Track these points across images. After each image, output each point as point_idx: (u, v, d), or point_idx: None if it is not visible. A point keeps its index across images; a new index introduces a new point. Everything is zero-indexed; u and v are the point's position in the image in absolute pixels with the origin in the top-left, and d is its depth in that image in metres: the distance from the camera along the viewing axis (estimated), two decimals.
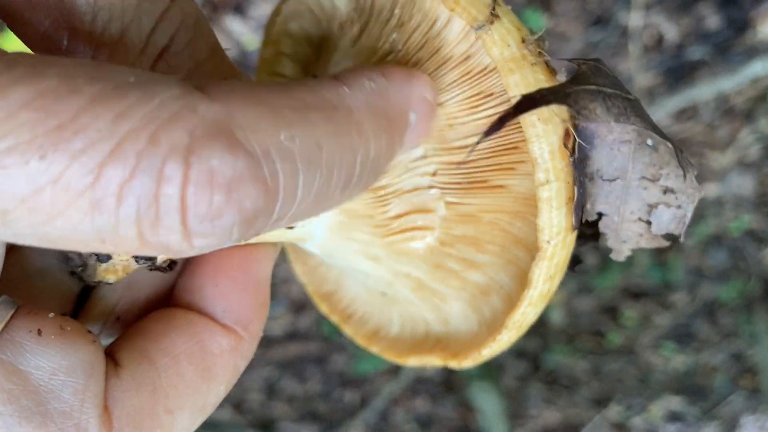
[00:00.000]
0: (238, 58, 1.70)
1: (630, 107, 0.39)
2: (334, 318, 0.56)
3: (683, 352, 2.41)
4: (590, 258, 2.06)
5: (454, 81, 0.42)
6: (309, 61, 0.54)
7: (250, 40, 1.66)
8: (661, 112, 1.76)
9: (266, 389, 2.32)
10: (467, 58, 0.41)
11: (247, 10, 1.65)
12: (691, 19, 1.62)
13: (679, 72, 1.71)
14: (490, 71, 0.40)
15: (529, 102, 0.35)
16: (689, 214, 0.41)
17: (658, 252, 2.12)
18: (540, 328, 2.28)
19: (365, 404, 2.36)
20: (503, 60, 0.38)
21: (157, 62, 0.33)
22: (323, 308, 0.57)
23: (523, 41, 0.39)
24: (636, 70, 1.69)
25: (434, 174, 0.44)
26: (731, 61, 1.69)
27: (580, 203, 0.40)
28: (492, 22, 0.38)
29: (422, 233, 0.45)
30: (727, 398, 2.52)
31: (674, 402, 2.56)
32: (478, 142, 0.36)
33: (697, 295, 2.26)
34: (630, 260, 2.13)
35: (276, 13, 0.51)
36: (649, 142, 0.40)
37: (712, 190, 1.99)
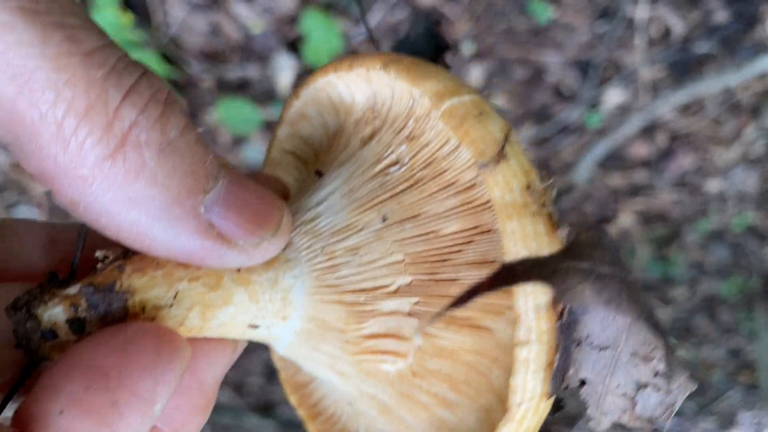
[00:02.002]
0: (243, 41, 1.70)
1: (625, 292, 0.36)
2: (302, 412, 0.53)
3: (682, 347, 2.41)
4: None
5: (455, 208, 0.40)
6: (322, 149, 0.52)
7: (256, 24, 1.66)
8: (666, 105, 1.75)
9: (266, 373, 2.34)
10: (472, 186, 0.40)
11: None
12: (699, 13, 1.61)
13: (685, 66, 1.70)
14: (492, 207, 0.38)
15: (508, 275, 0.32)
16: (678, 404, 0.38)
17: (660, 246, 2.12)
18: None
19: None
20: (503, 204, 0.36)
21: (127, 137, 0.33)
22: (292, 400, 0.54)
23: (528, 187, 0.37)
24: (641, 63, 1.68)
25: (417, 303, 0.41)
26: (738, 56, 1.68)
27: (560, 370, 0.38)
28: (498, 162, 0.37)
29: (394, 358, 0.42)
30: (725, 394, 2.52)
31: None
32: (445, 310, 0.33)
33: (698, 290, 2.25)
34: (631, 254, 2.13)
35: (295, 95, 0.50)
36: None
37: (715, 185, 1.98)
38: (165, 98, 0.34)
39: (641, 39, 1.64)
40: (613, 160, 1.91)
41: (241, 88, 1.76)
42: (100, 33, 0.33)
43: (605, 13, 1.62)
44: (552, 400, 0.39)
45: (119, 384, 0.33)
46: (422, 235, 0.41)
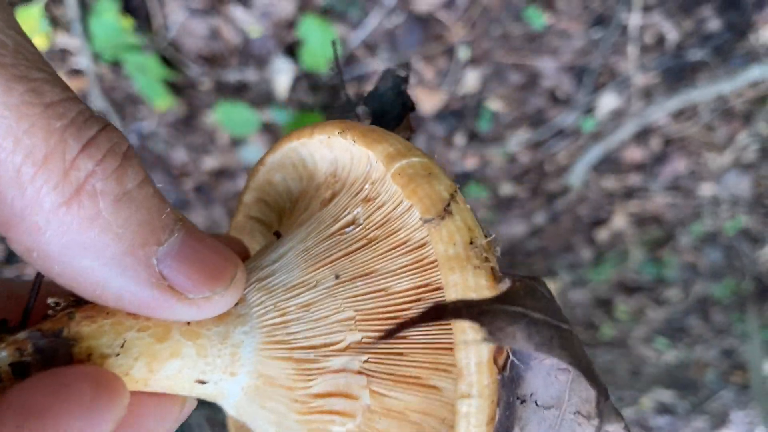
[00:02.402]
0: (241, 45, 1.72)
1: (558, 338, 0.36)
2: None
3: (675, 347, 2.44)
4: (585, 252, 2.08)
5: (406, 266, 0.41)
6: (284, 212, 0.54)
7: (254, 29, 1.68)
8: (660, 111, 1.77)
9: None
10: (423, 245, 0.41)
11: (251, 0, 1.66)
12: (692, 21, 1.62)
13: (678, 73, 1.71)
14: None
15: (436, 312, 0.33)
16: None
17: (654, 249, 2.14)
18: None
19: None
20: (446, 257, 0.37)
21: (83, 186, 0.34)
22: None
23: (472, 242, 0.38)
24: (635, 70, 1.70)
25: (366, 360, 0.41)
26: (731, 64, 1.69)
27: (503, 427, 0.37)
28: (443, 218, 0.38)
29: (343, 419, 0.42)
30: (717, 393, 2.54)
31: (665, 395, 2.59)
32: (376, 342, 0.34)
33: (691, 291, 2.27)
34: (625, 255, 2.15)
35: (261, 162, 0.51)
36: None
37: (708, 189, 2.00)
38: (124, 151, 0.35)
39: (635, 46, 1.66)
40: (608, 164, 1.93)
41: (239, 91, 1.78)
42: (64, 87, 0.35)
43: (600, 20, 1.63)
44: None
45: (53, 424, 0.33)
46: (373, 292, 0.42)
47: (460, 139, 1.86)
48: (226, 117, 1.72)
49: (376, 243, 0.42)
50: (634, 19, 1.62)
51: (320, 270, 0.43)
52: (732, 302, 2.28)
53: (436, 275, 0.40)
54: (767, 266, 2.21)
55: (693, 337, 2.41)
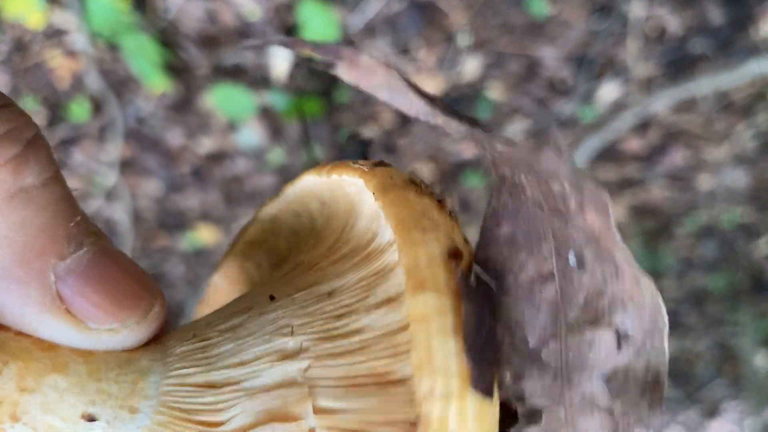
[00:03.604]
0: (240, 28, 1.71)
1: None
2: None
3: (669, 337, 2.45)
4: None
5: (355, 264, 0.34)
6: (281, 259, 0.45)
7: (252, 12, 1.66)
8: (660, 103, 1.76)
9: None
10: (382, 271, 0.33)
11: None
12: (695, 13, 1.61)
13: (679, 64, 1.70)
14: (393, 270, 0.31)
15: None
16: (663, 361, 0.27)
17: (650, 240, 2.14)
18: None
19: None
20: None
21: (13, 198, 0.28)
22: None
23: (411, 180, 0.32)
24: (636, 61, 1.69)
25: (308, 368, 0.32)
26: (732, 57, 1.68)
27: (479, 349, 0.26)
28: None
29: None
30: (710, 384, 2.56)
31: None
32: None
33: (686, 283, 2.28)
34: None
35: (262, 207, 0.43)
36: (571, 258, 0.27)
37: (706, 182, 2.00)
38: (28, 139, 0.28)
39: (636, 37, 1.65)
40: (606, 154, 1.93)
41: (236, 74, 1.77)
42: None
43: (602, 10, 1.62)
44: (493, 400, 0.26)
45: None
46: (316, 297, 0.34)
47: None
48: (223, 100, 1.71)
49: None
50: (636, 10, 1.61)
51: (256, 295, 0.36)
52: (726, 294, 2.29)
53: (392, 254, 0.32)
54: (762, 260, 2.21)
55: (686, 328, 2.42)
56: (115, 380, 0.31)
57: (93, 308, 0.30)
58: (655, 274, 2.27)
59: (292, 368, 0.32)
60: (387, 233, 0.31)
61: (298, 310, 0.34)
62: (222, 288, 0.47)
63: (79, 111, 1.78)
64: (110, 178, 1.90)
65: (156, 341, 0.33)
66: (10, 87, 1.75)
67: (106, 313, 0.30)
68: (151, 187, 1.98)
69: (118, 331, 0.31)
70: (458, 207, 1.90)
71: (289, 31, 1.72)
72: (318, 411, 0.31)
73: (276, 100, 1.74)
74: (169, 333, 0.34)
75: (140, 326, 0.31)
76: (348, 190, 0.35)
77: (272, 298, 0.35)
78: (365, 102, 1.83)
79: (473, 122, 0.29)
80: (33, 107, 1.77)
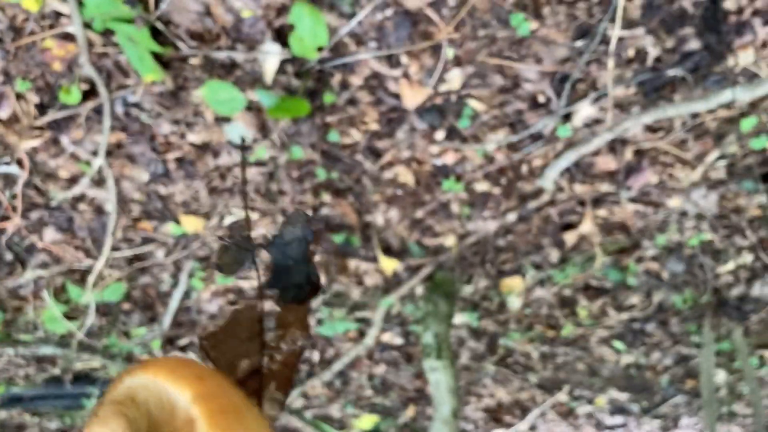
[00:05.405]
0: (233, 24, 1.74)
1: None
2: None
3: (633, 351, 2.51)
4: (553, 253, 2.14)
5: None
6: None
7: (246, 9, 1.70)
8: (636, 124, 1.82)
9: None
10: None
11: None
12: (673, 40, 1.67)
13: (656, 88, 1.76)
14: None
15: None
16: None
17: (619, 255, 2.20)
18: (499, 313, 2.37)
19: (325, 366, 2.46)
20: None
21: None
22: None
23: None
24: (614, 82, 1.74)
25: None
26: (707, 84, 1.74)
27: None
28: None
29: None
30: (670, 399, 2.63)
31: (620, 396, 2.68)
32: None
33: (653, 299, 2.35)
34: (591, 259, 2.20)
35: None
36: None
37: (676, 203, 2.06)
38: None
39: (616, 59, 1.70)
40: (581, 170, 1.98)
41: (227, 69, 1.80)
42: None
43: (584, 31, 1.67)
44: None
45: None
46: None
47: (440, 134, 1.90)
48: (213, 95, 1.75)
49: None
50: (617, 33, 1.66)
51: None
52: (690, 313, 2.35)
53: None
54: (727, 281, 2.28)
55: (651, 344, 2.48)
56: None
57: None
58: (624, 289, 2.33)
59: None
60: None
61: None
62: None
63: (69, 95, 1.81)
64: (97, 162, 1.93)
65: None
66: (1, 67, 1.77)
67: None
68: (136, 174, 2.02)
69: None
70: (435, 209, 1.91)
71: (281, 31, 1.76)
72: None
73: (263, 98, 1.78)
74: None
75: None
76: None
77: None
78: (352, 103, 1.88)
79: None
80: (25, 88, 1.80)
